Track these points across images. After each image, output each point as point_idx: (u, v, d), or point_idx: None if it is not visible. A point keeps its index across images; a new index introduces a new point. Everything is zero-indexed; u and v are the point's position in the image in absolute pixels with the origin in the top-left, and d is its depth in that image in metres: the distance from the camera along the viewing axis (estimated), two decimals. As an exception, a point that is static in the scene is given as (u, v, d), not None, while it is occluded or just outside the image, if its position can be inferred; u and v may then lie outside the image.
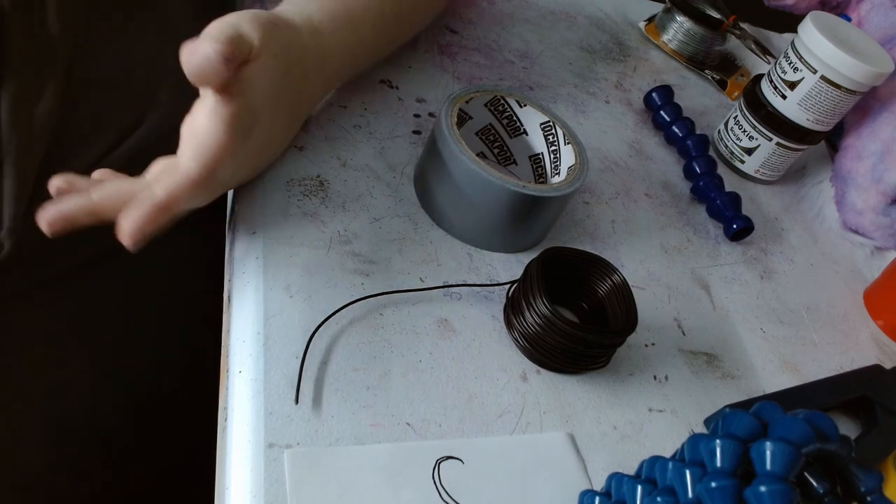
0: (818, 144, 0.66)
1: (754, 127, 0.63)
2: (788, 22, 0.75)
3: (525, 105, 0.50)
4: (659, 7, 0.78)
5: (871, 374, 0.51)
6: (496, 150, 0.53)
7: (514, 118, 0.51)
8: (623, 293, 0.44)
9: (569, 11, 0.74)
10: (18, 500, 0.50)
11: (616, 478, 0.35)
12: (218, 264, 0.46)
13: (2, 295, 0.45)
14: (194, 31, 0.35)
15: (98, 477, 0.54)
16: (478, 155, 0.46)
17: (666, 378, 0.46)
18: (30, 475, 0.51)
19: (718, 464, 0.28)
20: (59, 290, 0.48)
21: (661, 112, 0.64)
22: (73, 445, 0.52)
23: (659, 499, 0.30)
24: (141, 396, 0.56)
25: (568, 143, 0.49)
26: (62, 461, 0.52)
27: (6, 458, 0.49)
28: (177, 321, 0.57)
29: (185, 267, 0.57)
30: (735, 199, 0.58)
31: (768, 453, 0.27)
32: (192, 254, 0.56)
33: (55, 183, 0.35)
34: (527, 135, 0.51)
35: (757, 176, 0.65)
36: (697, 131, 0.63)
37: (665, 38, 0.75)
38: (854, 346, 0.55)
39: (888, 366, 0.53)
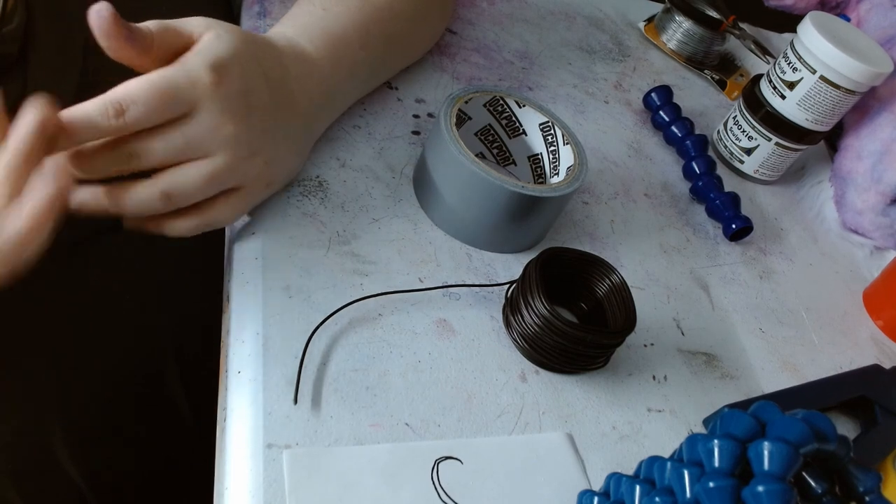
0: (817, 144, 0.66)
1: (753, 127, 0.63)
2: (788, 22, 0.75)
3: (524, 105, 0.50)
4: (658, 7, 0.78)
5: (871, 375, 0.51)
6: (495, 151, 0.53)
7: (514, 118, 0.51)
8: (622, 293, 0.44)
9: (568, 12, 0.74)
10: (13, 466, 0.50)
11: (615, 478, 0.35)
12: (217, 264, 0.46)
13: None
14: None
15: (97, 474, 0.55)
16: (477, 155, 0.46)
17: (665, 378, 0.46)
18: (28, 450, 0.51)
19: (716, 464, 0.28)
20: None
21: (661, 112, 0.64)
22: (72, 438, 0.52)
23: (657, 499, 0.30)
24: (140, 399, 0.56)
25: (567, 144, 0.49)
26: (61, 454, 0.52)
27: (10, 424, 0.49)
28: (176, 322, 0.57)
29: (184, 268, 0.57)
30: (734, 199, 0.58)
31: (766, 453, 0.27)
32: (190, 254, 0.56)
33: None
34: (526, 135, 0.51)
35: (756, 176, 0.65)
36: (697, 131, 0.63)
37: (664, 38, 0.75)
38: (853, 346, 0.55)
39: (887, 366, 0.53)
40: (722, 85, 0.75)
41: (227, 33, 0.38)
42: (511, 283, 0.45)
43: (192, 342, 0.58)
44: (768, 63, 0.75)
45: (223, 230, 0.46)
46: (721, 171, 0.63)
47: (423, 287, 0.44)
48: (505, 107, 0.50)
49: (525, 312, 0.42)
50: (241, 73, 0.38)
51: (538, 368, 0.43)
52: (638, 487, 0.33)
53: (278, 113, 0.41)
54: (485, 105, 0.50)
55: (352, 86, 0.49)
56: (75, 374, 0.51)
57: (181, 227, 0.39)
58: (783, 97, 0.61)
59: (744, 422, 0.29)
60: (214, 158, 0.37)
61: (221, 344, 0.40)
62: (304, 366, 0.38)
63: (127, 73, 0.43)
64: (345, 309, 0.41)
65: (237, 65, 0.38)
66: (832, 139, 0.70)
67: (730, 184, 0.62)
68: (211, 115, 0.37)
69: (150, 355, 0.56)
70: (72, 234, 0.47)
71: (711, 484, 0.28)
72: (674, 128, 0.63)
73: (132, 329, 0.54)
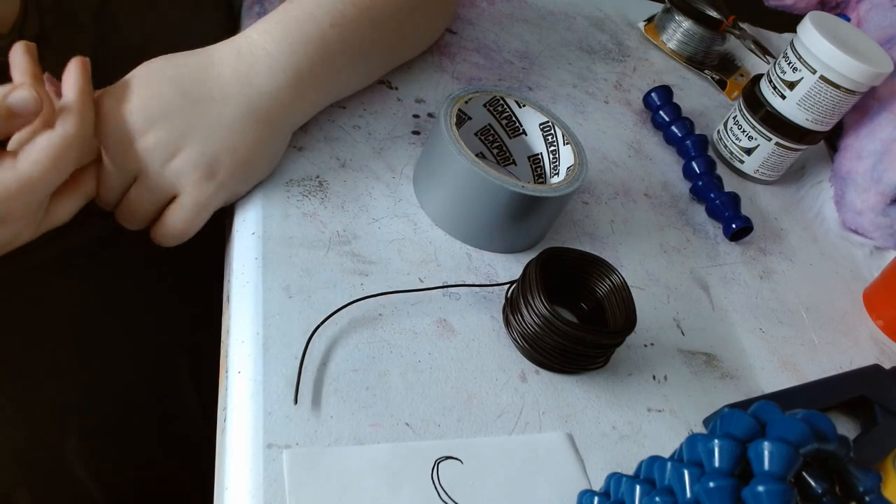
0: (817, 144, 0.66)
1: (753, 127, 0.63)
2: (788, 22, 0.75)
3: (524, 105, 0.50)
4: (658, 7, 0.78)
5: (871, 374, 0.51)
6: (495, 151, 0.53)
7: (514, 118, 0.51)
8: (622, 293, 0.44)
9: (568, 12, 0.74)
10: (24, 467, 0.50)
11: (615, 478, 0.35)
12: (217, 265, 0.46)
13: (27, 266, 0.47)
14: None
15: (107, 476, 0.55)
16: (477, 155, 0.46)
17: (665, 378, 0.46)
18: (38, 451, 0.51)
19: (717, 464, 0.28)
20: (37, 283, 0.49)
21: (661, 112, 0.64)
22: (75, 434, 0.52)
23: (657, 499, 0.30)
24: (150, 401, 0.56)
25: (567, 144, 0.49)
26: (72, 458, 0.52)
27: (21, 428, 0.49)
28: (179, 322, 0.57)
29: (184, 268, 0.57)
30: (734, 199, 0.58)
31: (766, 453, 0.27)
32: (190, 255, 0.56)
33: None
34: (526, 135, 0.51)
35: (756, 176, 0.65)
36: (697, 131, 0.63)
37: (664, 38, 0.75)
38: (853, 346, 0.55)
39: (887, 366, 0.53)
40: (722, 85, 0.75)
41: (141, 67, 0.42)
42: (511, 283, 0.45)
43: (196, 341, 0.58)
44: (768, 63, 0.75)
45: (223, 230, 0.46)
46: (721, 171, 0.63)
47: (423, 287, 0.44)
48: (505, 107, 0.50)
49: (525, 312, 0.42)
50: (135, 92, 0.42)
51: (538, 368, 0.43)
52: (638, 487, 0.33)
53: (197, 108, 0.43)
54: (485, 105, 0.50)
55: (328, 65, 0.48)
56: (79, 377, 0.51)
57: (154, 238, 0.45)
58: (783, 97, 0.61)
59: (744, 422, 0.29)
60: (138, 179, 0.42)
61: (221, 344, 0.40)
62: (304, 366, 0.38)
63: (135, 63, 0.45)
64: (345, 309, 0.41)
65: (130, 87, 0.42)
66: (832, 139, 0.70)
67: (730, 184, 0.62)
68: (112, 143, 0.41)
69: (152, 356, 0.56)
70: (73, 237, 0.47)
71: (711, 484, 0.28)
72: (674, 128, 0.63)
73: (134, 330, 0.54)
